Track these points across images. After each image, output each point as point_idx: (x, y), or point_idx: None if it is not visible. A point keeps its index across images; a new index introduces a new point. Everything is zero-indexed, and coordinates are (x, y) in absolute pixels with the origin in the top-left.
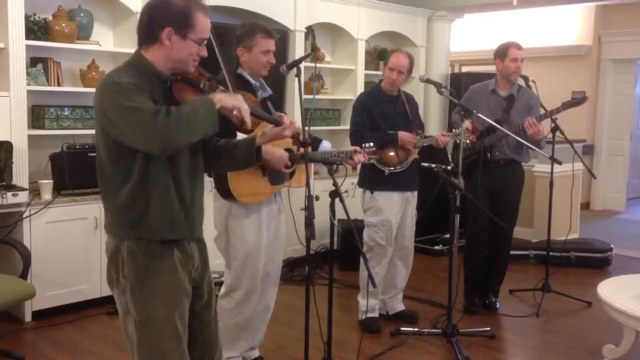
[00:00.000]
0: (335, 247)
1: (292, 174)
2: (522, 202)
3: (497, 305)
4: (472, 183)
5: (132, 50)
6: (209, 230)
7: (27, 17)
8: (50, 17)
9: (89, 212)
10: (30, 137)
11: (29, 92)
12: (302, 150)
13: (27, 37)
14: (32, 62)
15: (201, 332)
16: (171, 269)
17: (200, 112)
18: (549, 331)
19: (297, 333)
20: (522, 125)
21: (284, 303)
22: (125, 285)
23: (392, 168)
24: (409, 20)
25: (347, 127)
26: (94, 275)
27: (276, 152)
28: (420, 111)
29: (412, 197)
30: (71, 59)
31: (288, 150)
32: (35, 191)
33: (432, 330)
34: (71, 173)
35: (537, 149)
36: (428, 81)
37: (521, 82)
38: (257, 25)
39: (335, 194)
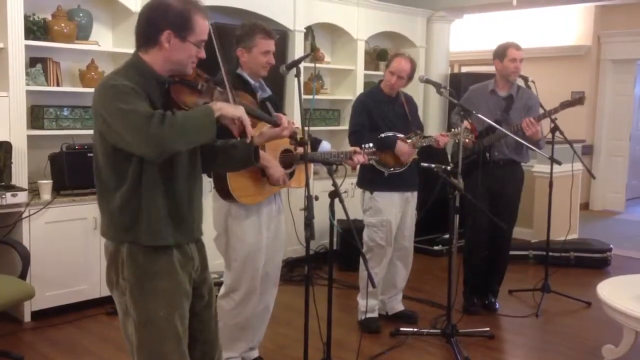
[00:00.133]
0: (334, 247)
1: (291, 174)
2: (521, 203)
3: (497, 306)
4: (471, 183)
5: (131, 50)
6: (209, 231)
7: (26, 17)
8: (49, 17)
9: (88, 212)
10: (29, 137)
11: (28, 92)
12: (301, 150)
13: (27, 37)
14: (32, 62)
15: (201, 333)
16: (171, 271)
17: (198, 119)
18: (549, 331)
19: (297, 333)
20: (521, 126)
21: (283, 303)
22: (125, 286)
23: (391, 169)
24: (409, 21)
25: (347, 127)
26: (93, 275)
27: (273, 165)
28: (420, 111)
29: (412, 197)
30: (70, 59)
31: (287, 151)
32: (34, 191)
33: (431, 331)
34: (70, 173)
35: (536, 149)
36: (427, 81)
37: (520, 82)
38: (256, 26)
39: (334, 194)
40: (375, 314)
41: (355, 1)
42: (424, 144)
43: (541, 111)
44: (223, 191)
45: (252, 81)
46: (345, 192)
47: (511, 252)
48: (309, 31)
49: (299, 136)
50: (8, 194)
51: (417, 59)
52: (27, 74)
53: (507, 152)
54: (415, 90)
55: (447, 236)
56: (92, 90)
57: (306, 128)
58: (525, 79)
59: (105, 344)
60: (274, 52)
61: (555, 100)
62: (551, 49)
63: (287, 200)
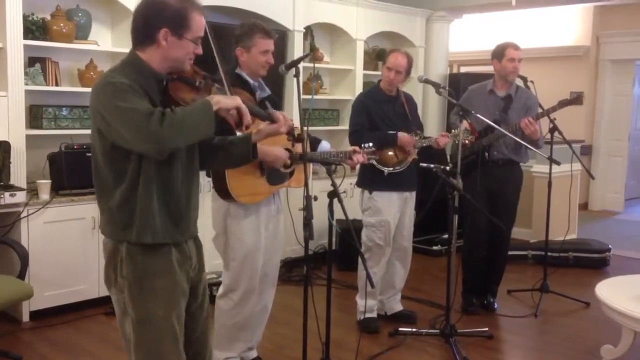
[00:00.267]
0: (333, 247)
1: (291, 174)
2: (520, 203)
3: (495, 306)
4: (470, 183)
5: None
6: (207, 231)
7: (25, 17)
8: (48, 17)
9: (87, 212)
10: (28, 137)
11: (27, 92)
12: (299, 149)
13: (25, 37)
14: (30, 61)
15: (193, 332)
16: (169, 269)
17: (197, 114)
18: (547, 331)
19: (296, 333)
20: (519, 125)
21: (282, 303)
22: (123, 285)
23: (391, 168)
24: (408, 21)
25: (346, 127)
26: (92, 275)
27: (272, 151)
28: (419, 111)
29: (411, 197)
30: (69, 59)
31: (287, 150)
32: (33, 191)
33: (430, 331)
34: (69, 173)
35: (534, 149)
36: (427, 81)
37: (520, 82)
38: (255, 25)
39: (333, 194)
40: (374, 314)
41: (355, 1)
42: (424, 144)
43: (540, 111)
44: (222, 191)
45: (251, 81)
46: (344, 192)
47: (510, 252)
48: (308, 31)
49: (296, 132)
50: (6, 194)
51: (416, 59)
52: (25, 73)
53: (506, 152)
54: (414, 90)
55: (446, 236)
56: (91, 90)
57: (305, 128)
58: (524, 79)
59: (104, 344)
60: (273, 52)
61: (554, 101)
62: (550, 49)
63: (286, 200)
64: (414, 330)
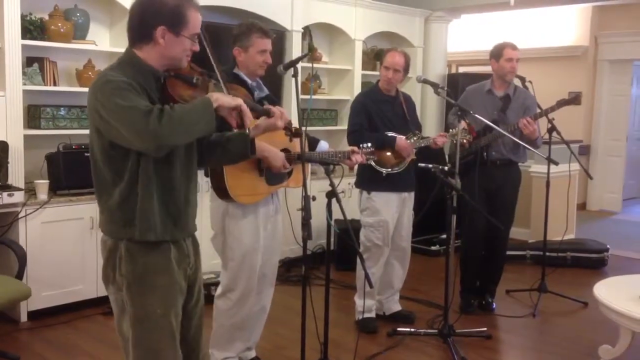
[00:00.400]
0: (332, 247)
1: (289, 174)
2: (518, 203)
3: (494, 306)
4: (469, 183)
5: None
6: (206, 231)
7: (23, 17)
8: (46, 17)
9: (85, 212)
10: (26, 137)
11: (25, 92)
12: (298, 148)
13: (23, 37)
14: (28, 61)
15: (188, 330)
16: (168, 268)
17: (197, 112)
18: (545, 332)
19: (294, 333)
20: (518, 125)
21: (280, 303)
22: (121, 283)
23: (389, 169)
24: (406, 21)
25: (344, 127)
26: (90, 275)
27: (270, 147)
28: (417, 112)
29: (409, 197)
30: (67, 59)
31: (285, 150)
32: (31, 191)
33: (428, 331)
34: (67, 173)
35: (533, 149)
36: (425, 82)
37: (518, 82)
38: (253, 25)
39: (332, 194)
40: (373, 314)
41: (353, 1)
42: (422, 144)
43: (538, 111)
44: (220, 190)
45: (249, 80)
46: (343, 192)
47: (508, 252)
48: (307, 31)
49: (294, 128)
50: (4, 194)
51: (414, 59)
52: (24, 73)
53: (504, 152)
54: (412, 90)
55: (444, 236)
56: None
57: (304, 128)
58: (523, 79)
59: (102, 344)
60: (271, 52)
61: (553, 101)
62: (548, 49)
63: (285, 200)
64: (412, 330)
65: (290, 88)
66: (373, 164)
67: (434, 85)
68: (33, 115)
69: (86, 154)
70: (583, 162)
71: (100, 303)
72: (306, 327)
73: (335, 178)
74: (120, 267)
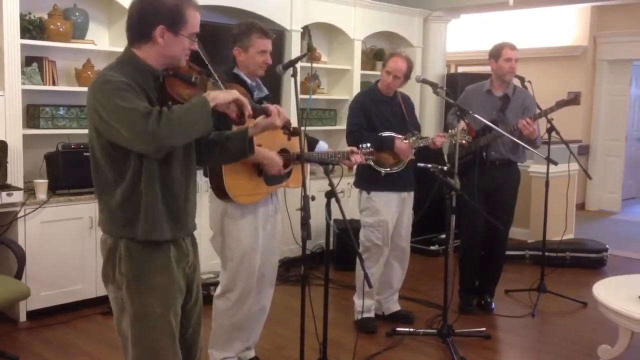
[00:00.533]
0: (331, 247)
1: (288, 174)
2: (517, 203)
3: (493, 306)
4: (468, 183)
5: None
6: (205, 231)
7: (22, 16)
8: (45, 16)
9: (84, 212)
10: (25, 136)
11: (24, 92)
12: (297, 149)
13: (22, 36)
14: (27, 61)
15: (186, 329)
16: (167, 267)
17: (194, 112)
18: (544, 332)
19: (293, 333)
20: (517, 126)
21: (279, 303)
22: (121, 281)
23: (388, 169)
24: (405, 21)
25: (344, 127)
26: (89, 275)
27: (269, 153)
28: (417, 112)
29: (409, 197)
30: (66, 58)
31: (284, 150)
32: (30, 191)
33: (427, 331)
34: (66, 173)
35: (532, 149)
36: (424, 81)
37: (517, 82)
38: (253, 25)
39: (331, 194)
40: (372, 314)
41: (352, 1)
42: (421, 145)
43: (537, 111)
44: (219, 190)
45: (249, 81)
46: (342, 192)
47: (507, 252)
48: (306, 31)
49: (292, 127)
50: (3, 194)
51: (413, 59)
52: (22, 73)
53: (504, 152)
54: (412, 90)
55: (443, 236)
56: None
57: (303, 128)
58: (522, 79)
59: (101, 344)
60: (270, 52)
61: (552, 101)
62: (547, 49)
63: (284, 200)
64: (411, 330)
65: (290, 88)
66: (372, 163)
67: (433, 85)
68: (32, 114)
69: (85, 154)
70: (582, 162)
71: (99, 303)
72: (305, 327)
73: (335, 178)
74: (120, 266)
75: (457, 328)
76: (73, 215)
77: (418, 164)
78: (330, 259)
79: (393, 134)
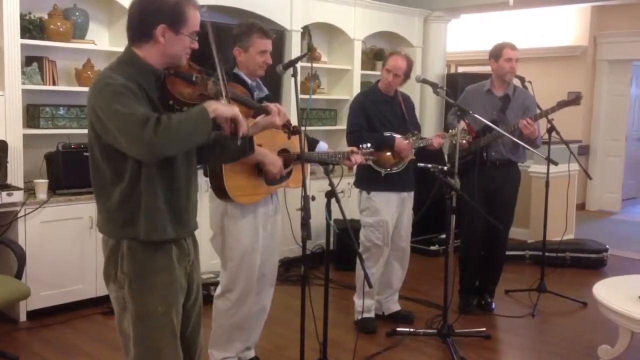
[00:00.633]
0: (331, 247)
1: (288, 174)
2: (518, 203)
3: (493, 306)
4: (468, 183)
5: None
6: (205, 231)
7: (22, 16)
8: (45, 16)
9: (84, 211)
10: (25, 136)
11: (24, 91)
12: (298, 149)
13: (23, 36)
14: (27, 61)
15: (186, 328)
16: (169, 266)
17: (193, 122)
18: (545, 332)
19: (293, 333)
20: (518, 125)
21: (280, 303)
22: (123, 280)
23: (388, 169)
24: (406, 21)
25: (344, 127)
26: (89, 275)
27: (269, 154)
28: (417, 111)
29: (409, 197)
30: (67, 58)
31: (285, 150)
32: (30, 190)
33: (427, 331)
34: (66, 172)
35: (532, 149)
36: (424, 81)
37: (517, 82)
38: (253, 25)
39: (331, 194)
40: (372, 314)
41: (352, 1)
42: (421, 145)
43: (538, 111)
44: (219, 190)
45: (249, 81)
46: (342, 192)
47: (507, 252)
48: (306, 31)
49: (292, 126)
50: (4, 193)
51: (413, 59)
52: (23, 73)
53: (504, 152)
54: (412, 90)
55: (443, 236)
56: (88, 89)
57: (303, 128)
58: (522, 79)
59: (101, 344)
60: (271, 52)
61: (552, 101)
62: (547, 49)
63: (284, 200)
64: (411, 330)
65: (290, 88)
66: (372, 164)
67: (433, 85)
68: (32, 114)
69: (85, 154)
70: (582, 162)
71: (99, 303)
72: (305, 327)
73: (335, 178)
74: (122, 265)
75: (457, 328)
76: (73, 215)
77: (418, 164)
78: (330, 259)
79: (394, 134)
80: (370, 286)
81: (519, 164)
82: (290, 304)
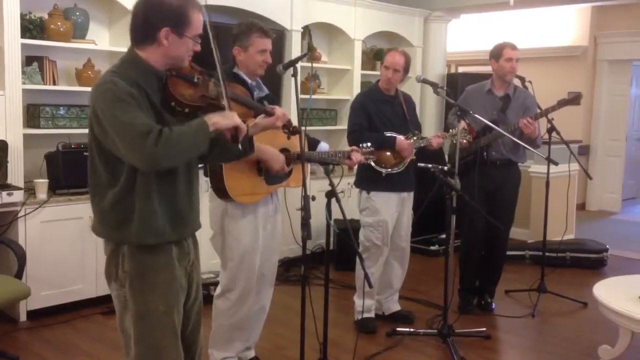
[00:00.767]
0: (331, 247)
1: (289, 174)
2: (518, 203)
3: (493, 306)
4: (468, 183)
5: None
6: (205, 231)
7: (22, 16)
8: (45, 16)
9: (84, 211)
10: (25, 136)
11: (25, 91)
12: (298, 148)
13: (23, 36)
14: (28, 60)
15: (186, 328)
16: (170, 265)
17: (193, 135)
18: (545, 332)
19: (293, 333)
20: (518, 125)
21: (280, 303)
22: (124, 279)
23: (389, 169)
24: (406, 21)
25: (344, 127)
26: (89, 275)
27: (268, 149)
28: (417, 111)
29: (409, 197)
30: (67, 58)
31: (285, 150)
32: (30, 190)
33: (427, 331)
34: (66, 172)
35: (532, 149)
36: (424, 81)
37: (517, 82)
38: (253, 25)
39: (331, 194)
40: (372, 314)
41: (353, 1)
42: (422, 145)
43: (538, 111)
44: (219, 190)
45: (249, 80)
46: (342, 192)
47: (508, 252)
48: (306, 31)
49: (292, 126)
50: (4, 193)
51: (414, 58)
52: (23, 72)
53: (504, 152)
54: (412, 90)
55: (443, 236)
56: (88, 89)
57: (303, 128)
58: (522, 79)
59: (101, 344)
60: (270, 51)
61: (552, 101)
62: (548, 49)
63: (284, 200)
64: (411, 330)
65: (290, 88)
66: (372, 164)
67: (434, 85)
68: (32, 114)
69: (85, 154)
70: (582, 162)
71: (99, 303)
72: (305, 327)
73: (335, 178)
74: (123, 263)
75: (457, 328)
76: (73, 215)
77: (419, 164)
78: (330, 259)
79: (394, 134)
80: (370, 286)
81: (519, 164)
82: (290, 304)
